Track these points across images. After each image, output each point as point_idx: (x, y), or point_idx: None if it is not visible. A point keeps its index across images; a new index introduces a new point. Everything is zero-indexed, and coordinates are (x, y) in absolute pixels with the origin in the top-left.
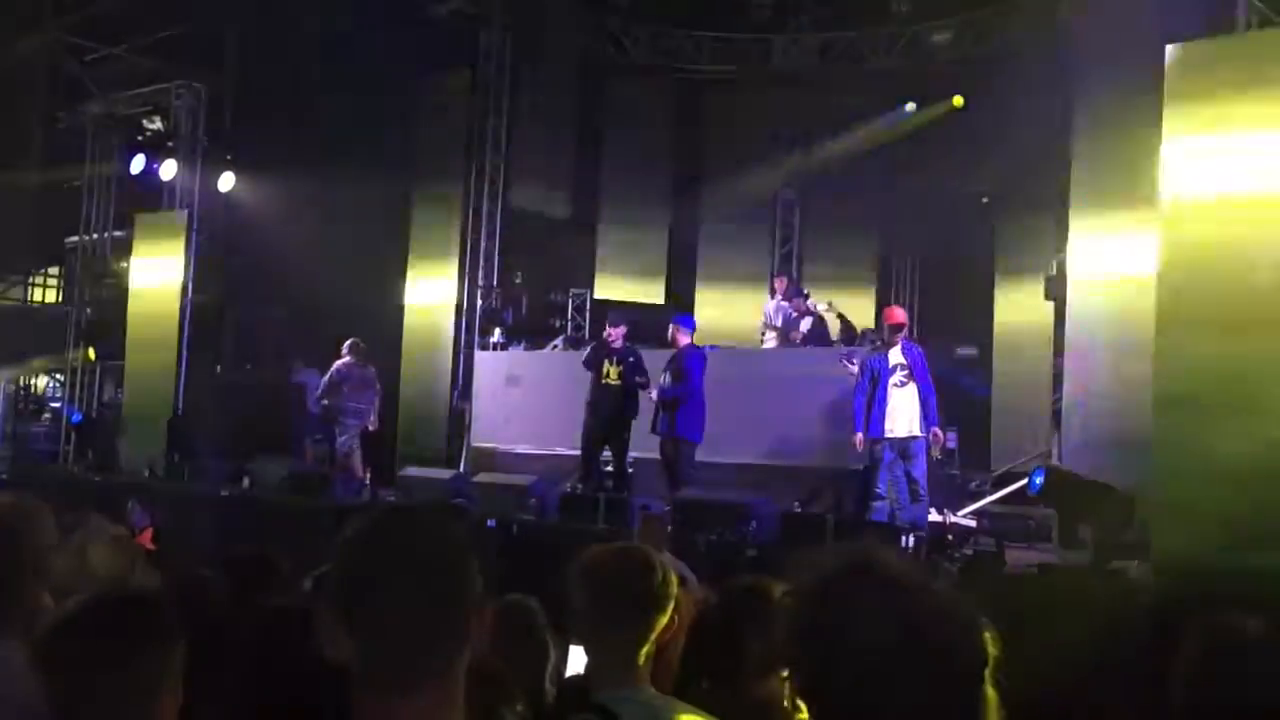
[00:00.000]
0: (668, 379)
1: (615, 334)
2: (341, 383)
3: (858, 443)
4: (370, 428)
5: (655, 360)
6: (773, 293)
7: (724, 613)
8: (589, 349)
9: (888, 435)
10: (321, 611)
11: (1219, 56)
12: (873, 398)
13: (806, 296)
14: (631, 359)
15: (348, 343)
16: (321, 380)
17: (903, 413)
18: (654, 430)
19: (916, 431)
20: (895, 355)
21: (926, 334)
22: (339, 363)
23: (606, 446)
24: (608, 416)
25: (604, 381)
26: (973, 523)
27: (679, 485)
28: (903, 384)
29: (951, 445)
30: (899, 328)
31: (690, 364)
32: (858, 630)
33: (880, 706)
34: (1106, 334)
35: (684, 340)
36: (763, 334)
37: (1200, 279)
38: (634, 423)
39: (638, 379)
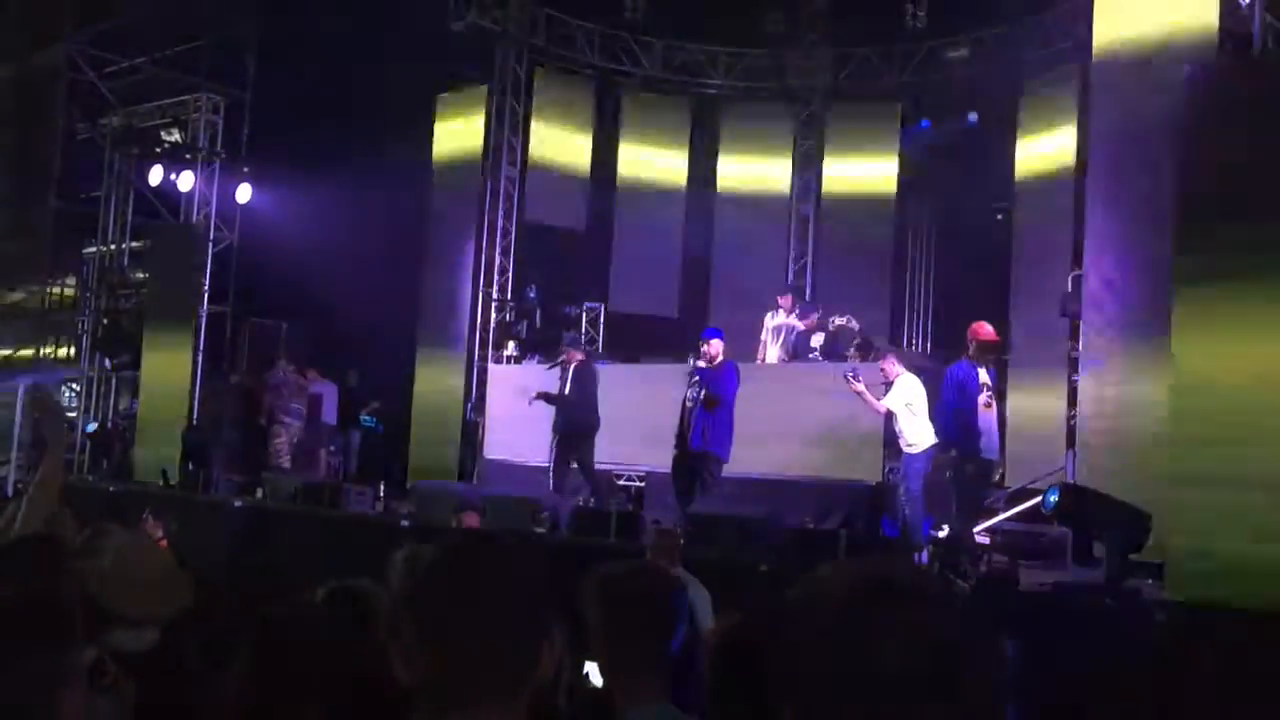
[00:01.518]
0: (702, 394)
1: (574, 355)
2: (280, 386)
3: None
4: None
5: (669, 374)
6: (777, 310)
7: (759, 629)
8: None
9: (979, 456)
10: (398, 630)
11: (1236, 75)
12: (962, 411)
13: (820, 312)
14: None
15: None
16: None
17: (991, 435)
18: (684, 445)
19: (995, 456)
20: (984, 374)
21: (941, 349)
22: (278, 369)
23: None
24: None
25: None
26: (986, 540)
27: (692, 500)
28: (989, 404)
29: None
30: (991, 346)
31: (728, 378)
32: (883, 654)
33: None
34: (1123, 350)
35: (720, 354)
36: (763, 351)
37: (1219, 294)
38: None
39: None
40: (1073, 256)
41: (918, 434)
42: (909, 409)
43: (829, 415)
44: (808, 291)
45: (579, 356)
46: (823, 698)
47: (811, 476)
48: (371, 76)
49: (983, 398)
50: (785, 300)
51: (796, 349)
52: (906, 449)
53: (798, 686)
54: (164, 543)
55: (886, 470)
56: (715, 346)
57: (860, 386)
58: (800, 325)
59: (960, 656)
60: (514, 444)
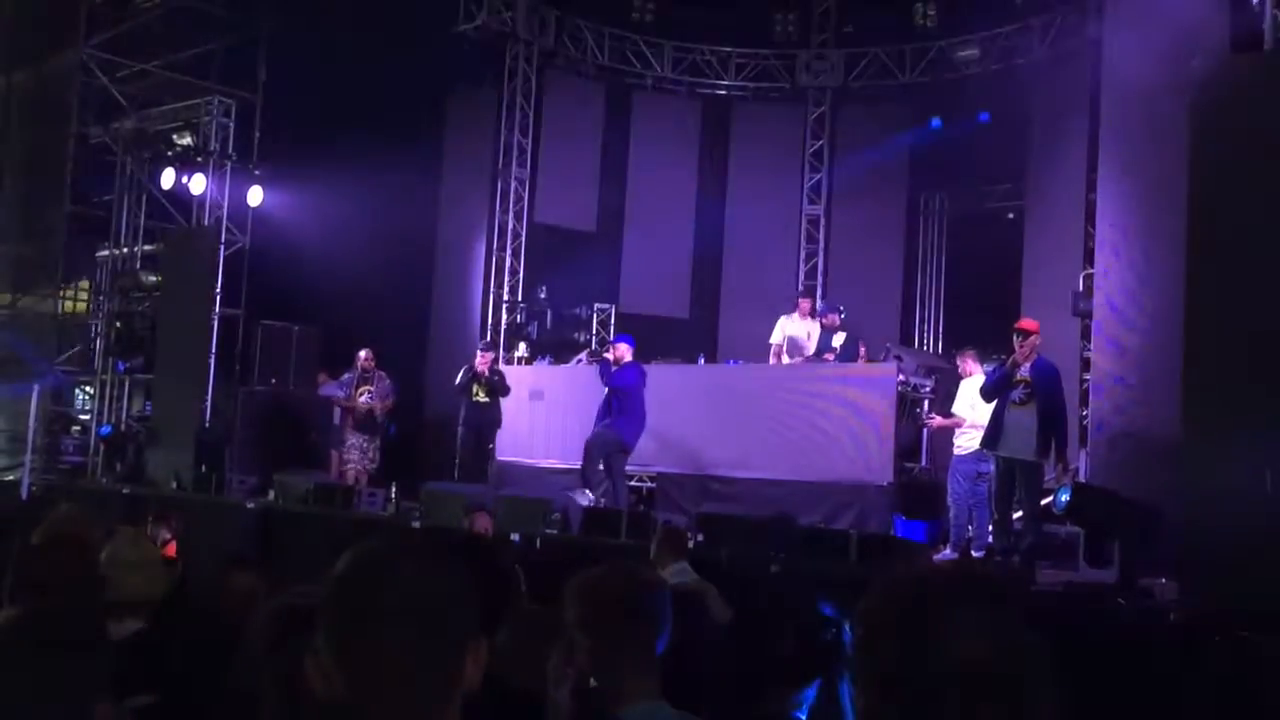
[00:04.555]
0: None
1: (485, 360)
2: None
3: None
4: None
5: (671, 373)
6: (802, 314)
7: (759, 621)
8: (461, 374)
9: (998, 453)
10: (313, 647)
11: (1246, 73)
12: (997, 411)
13: (841, 312)
14: (496, 378)
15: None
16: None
17: (1017, 432)
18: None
19: (1028, 456)
20: (1026, 371)
21: (952, 348)
22: (384, 378)
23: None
24: (479, 429)
25: (474, 400)
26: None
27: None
28: (1021, 401)
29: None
30: (1023, 334)
31: (619, 381)
32: (947, 650)
33: None
34: (1135, 348)
35: (624, 357)
36: (781, 354)
37: (1230, 294)
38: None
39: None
40: (1084, 255)
41: (966, 435)
42: (972, 410)
43: (840, 416)
44: (819, 291)
45: (487, 367)
46: (890, 687)
47: (822, 477)
48: (382, 78)
49: (1015, 394)
50: (805, 303)
51: (819, 348)
52: (956, 451)
53: (867, 674)
54: (172, 545)
55: (899, 471)
56: (618, 350)
57: (937, 422)
58: (819, 325)
59: (1022, 659)
60: (525, 445)
